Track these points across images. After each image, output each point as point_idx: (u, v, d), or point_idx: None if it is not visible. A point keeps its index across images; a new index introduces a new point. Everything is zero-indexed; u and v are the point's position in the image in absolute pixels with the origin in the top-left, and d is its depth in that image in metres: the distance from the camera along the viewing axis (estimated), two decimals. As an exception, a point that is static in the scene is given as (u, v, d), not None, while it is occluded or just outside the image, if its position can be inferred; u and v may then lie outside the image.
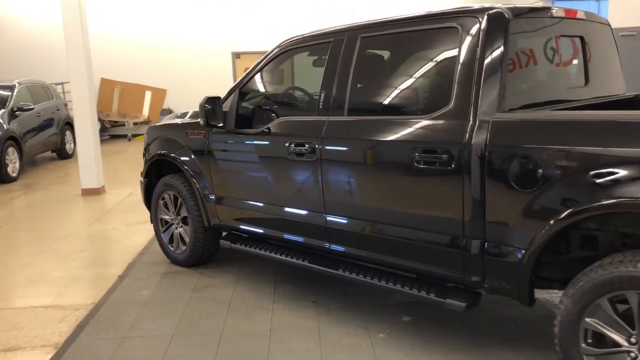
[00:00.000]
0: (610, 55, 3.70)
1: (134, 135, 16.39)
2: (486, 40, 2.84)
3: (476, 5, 2.98)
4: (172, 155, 4.67)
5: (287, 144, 3.67)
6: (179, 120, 4.82)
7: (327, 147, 3.44)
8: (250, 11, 16.87)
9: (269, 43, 17.40)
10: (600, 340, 2.47)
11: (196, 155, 4.46)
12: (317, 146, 3.48)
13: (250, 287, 4.36)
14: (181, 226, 4.82)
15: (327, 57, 3.60)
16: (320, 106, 3.56)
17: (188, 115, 4.90)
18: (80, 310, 4.08)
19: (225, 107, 4.16)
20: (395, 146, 3.11)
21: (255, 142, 3.99)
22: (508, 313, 3.72)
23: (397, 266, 3.28)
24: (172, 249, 4.95)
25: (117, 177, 9.77)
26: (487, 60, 2.82)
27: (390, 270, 3.38)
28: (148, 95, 16.58)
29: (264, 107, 4.30)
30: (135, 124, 16.40)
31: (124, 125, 16.34)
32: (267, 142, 3.89)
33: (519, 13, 2.94)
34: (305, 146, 3.55)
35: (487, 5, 2.95)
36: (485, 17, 2.87)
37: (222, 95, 4.22)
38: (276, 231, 3.95)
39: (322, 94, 3.56)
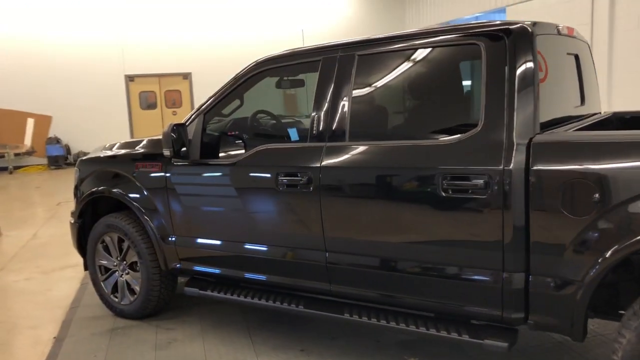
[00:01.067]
0: (591, 73, 3.69)
1: (16, 168, 14.78)
2: (515, 56, 2.64)
3: (497, 21, 2.79)
4: (117, 191, 4.03)
5: (274, 175, 3.24)
6: (122, 151, 4.19)
7: (328, 177, 3.06)
8: (144, 28, 15.97)
9: (169, 64, 16.68)
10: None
11: (150, 191, 3.86)
12: (314, 176, 3.09)
13: (222, 338, 3.82)
14: (128, 273, 4.16)
15: (318, 76, 3.24)
16: (314, 131, 3.17)
17: (115, 147, 4.29)
18: (18, 388, 3.32)
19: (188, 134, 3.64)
20: (415, 173, 2.80)
21: (232, 173, 3.50)
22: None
23: (417, 306, 2.96)
24: (116, 299, 4.26)
25: (10, 217, 8.59)
26: (518, 78, 2.62)
27: (402, 310, 3.05)
28: (30, 122, 15.04)
29: (232, 134, 3.83)
30: (16, 154, 14.81)
31: (3, 157, 14.68)
32: (247, 174, 3.42)
33: (539, 29, 2.79)
34: (298, 176, 3.15)
35: (505, 20, 2.77)
36: (512, 32, 2.68)
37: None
38: (261, 273, 3.48)
39: (315, 118, 3.19)
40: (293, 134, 4.04)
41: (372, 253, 2.99)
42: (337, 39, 3.41)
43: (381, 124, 3.22)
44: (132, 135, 15.92)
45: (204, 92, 16.76)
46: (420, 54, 3.01)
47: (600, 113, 3.74)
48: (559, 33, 3.07)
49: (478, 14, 13.95)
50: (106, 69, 15.68)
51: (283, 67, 3.52)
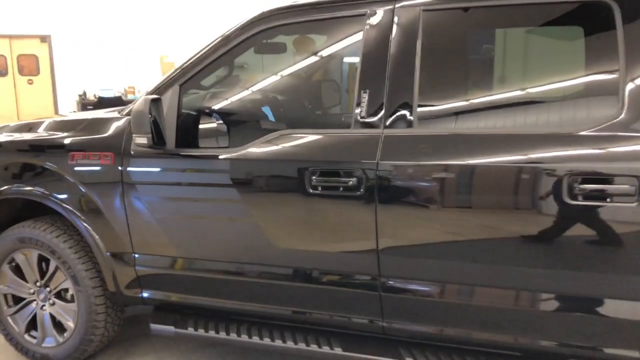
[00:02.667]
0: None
1: None
2: None
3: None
4: (41, 191, 2.84)
5: (303, 173, 2.34)
6: (44, 134, 2.96)
7: (388, 177, 2.24)
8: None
9: (22, 24, 14.25)
10: None
11: (94, 191, 2.74)
12: (367, 176, 2.25)
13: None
14: (53, 303, 3.00)
15: (363, 37, 2.37)
16: (361, 114, 2.32)
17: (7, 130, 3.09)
18: None
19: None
20: (532, 173, 2.07)
21: (233, 170, 2.51)
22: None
23: (512, 346, 2.26)
24: (33, 340, 3.07)
25: None
26: None
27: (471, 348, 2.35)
28: None
29: (225, 115, 2.82)
30: None
31: None
32: (258, 170, 2.47)
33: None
34: (342, 176, 2.29)
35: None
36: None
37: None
38: (278, 304, 2.56)
39: (362, 95, 2.33)
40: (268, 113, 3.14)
41: (454, 279, 2.23)
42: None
43: (463, 106, 2.44)
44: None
45: (66, 58, 14.62)
46: (516, 14, 2.27)
47: None
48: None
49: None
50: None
51: (302, 24, 2.58)
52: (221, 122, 2.88)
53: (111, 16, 14.18)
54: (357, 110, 2.33)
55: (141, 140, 2.44)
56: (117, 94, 12.90)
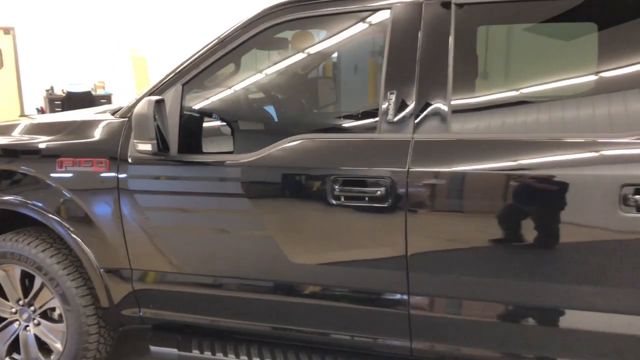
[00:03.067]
0: None
1: None
2: None
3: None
4: (20, 200, 2.57)
5: (325, 182, 2.13)
6: (25, 138, 2.67)
7: (420, 186, 2.05)
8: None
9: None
10: None
11: (87, 202, 2.48)
12: (396, 186, 2.05)
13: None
14: (39, 324, 2.73)
15: (389, 33, 2.17)
16: (389, 117, 2.12)
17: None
18: None
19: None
20: (585, 182, 1.90)
21: (246, 178, 2.28)
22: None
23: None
24: (15, 364, 2.80)
25: None
26: None
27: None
28: None
29: (229, 116, 2.58)
30: None
31: None
32: (275, 178, 2.24)
33: None
34: (368, 185, 2.09)
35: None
36: None
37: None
38: (292, 326, 2.35)
39: (390, 97, 2.13)
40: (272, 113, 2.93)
41: (496, 297, 2.06)
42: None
43: (502, 108, 2.25)
44: None
45: (32, 51, 14.00)
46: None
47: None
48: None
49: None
50: None
51: (317, 18, 2.36)
52: (224, 124, 2.64)
53: (79, 7, 13.66)
54: (384, 113, 2.12)
55: (144, 146, 2.18)
56: (87, 89, 12.42)
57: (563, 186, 1.90)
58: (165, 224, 2.43)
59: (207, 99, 2.63)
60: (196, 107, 2.55)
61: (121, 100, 10.45)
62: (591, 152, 1.90)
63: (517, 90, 2.37)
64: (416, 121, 2.08)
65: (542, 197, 1.94)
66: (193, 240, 2.41)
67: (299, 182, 2.21)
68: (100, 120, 2.57)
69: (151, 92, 2.40)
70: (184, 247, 2.42)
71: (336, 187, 2.11)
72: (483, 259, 2.03)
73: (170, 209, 2.42)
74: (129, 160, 2.39)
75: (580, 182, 1.88)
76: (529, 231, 1.96)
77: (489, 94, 2.34)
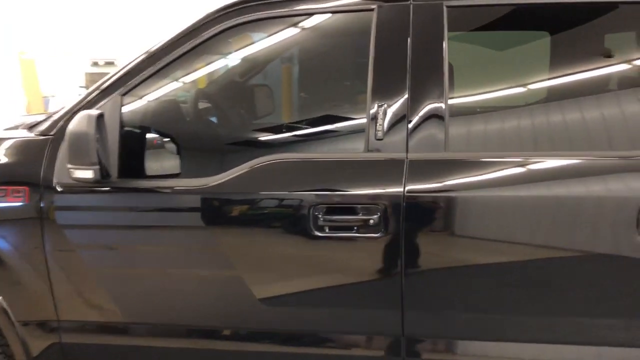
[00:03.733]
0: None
1: None
2: None
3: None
4: None
5: (305, 210, 1.81)
6: None
7: (417, 215, 1.79)
8: None
9: None
10: None
11: (1, 240, 1.99)
12: (391, 212, 1.78)
13: None
14: None
15: (373, 38, 1.89)
16: (377, 133, 1.84)
17: None
18: None
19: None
20: (609, 206, 1.72)
21: (207, 207, 1.90)
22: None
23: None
24: None
25: None
26: None
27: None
28: None
29: (174, 131, 2.18)
30: None
31: None
32: (244, 208, 1.89)
33: None
34: (358, 213, 1.80)
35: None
36: None
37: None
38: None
39: (379, 110, 1.86)
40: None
41: (512, 337, 1.83)
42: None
43: (509, 123, 2.02)
44: None
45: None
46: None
47: None
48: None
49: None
50: None
51: (283, 19, 2.04)
52: (168, 140, 2.24)
53: None
54: (372, 129, 1.85)
55: (84, 174, 1.75)
56: (-34, 96, 11.15)
57: (576, 208, 1.72)
58: (104, 265, 1.99)
59: (151, 111, 2.22)
60: (137, 121, 2.13)
61: (11, 109, 9.44)
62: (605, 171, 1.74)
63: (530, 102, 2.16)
64: (410, 138, 1.82)
65: (563, 221, 1.74)
66: (140, 284, 2.00)
67: (272, 211, 1.88)
68: (14, 138, 2.09)
69: (83, 104, 1.96)
70: (128, 292, 2.00)
71: (319, 215, 1.80)
72: (492, 295, 1.80)
73: (111, 247, 1.99)
74: (56, 188, 1.94)
75: (608, 204, 1.71)
76: (552, 260, 1.75)
77: (497, 105, 2.13)
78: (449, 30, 1.85)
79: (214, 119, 2.67)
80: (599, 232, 1.72)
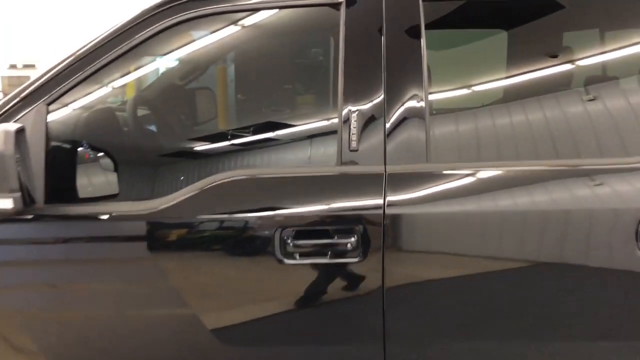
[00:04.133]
0: None
1: None
2: None
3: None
4: None
5: (272, 235, 1.57)
6: None
7: (399, 234, 1.58)
8: None
9: None
10: None
11: None
12: (370, 233, 1.56)
13: None
14: None
15: (342, 37, 1.67)
16: (351, 144, 1.62)
17: None
18: None
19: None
20: (609, 218, 1.57)
21: (156, 233, 1.62)
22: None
23: None
24: None
25: None
26: None
27: None
28: None
29: (110, 145, 1.87)
30: None
31: None
32: (198, 236, 1.62)
33: None
34: (331, 236, 1.57)
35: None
36: None
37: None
38: None
39: (352, 117, 1.63)
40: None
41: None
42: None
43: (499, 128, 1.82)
44: None
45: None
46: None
47: None
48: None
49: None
50: None
51: (239, 15, 1.78)
52: (102, 154, 1.93)
53: None
54: (344, 137, 1.62)
55: (2, 203, 1.42)
56: None
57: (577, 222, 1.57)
58: (29, 308, 1.67)
59: (82, 121, 1.90)
60: (67, 134, 1.81)
61: None
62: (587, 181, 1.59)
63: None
64: (387, 149, 1.61)
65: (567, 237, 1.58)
66: (72, 329, 1.68)
67: (233, 237, 1.62)
68: None
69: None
70: (58, 339, 1.68)
71: (286, 239, 1.56)
72: (487, 322, 1.62)
73: (35, 286, 1.66)
74: (-31, 218, 1.60)
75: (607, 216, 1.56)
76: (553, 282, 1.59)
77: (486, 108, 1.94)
78: (426, 27, 1.65)
79: (153, 128, 2.37)
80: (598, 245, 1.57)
